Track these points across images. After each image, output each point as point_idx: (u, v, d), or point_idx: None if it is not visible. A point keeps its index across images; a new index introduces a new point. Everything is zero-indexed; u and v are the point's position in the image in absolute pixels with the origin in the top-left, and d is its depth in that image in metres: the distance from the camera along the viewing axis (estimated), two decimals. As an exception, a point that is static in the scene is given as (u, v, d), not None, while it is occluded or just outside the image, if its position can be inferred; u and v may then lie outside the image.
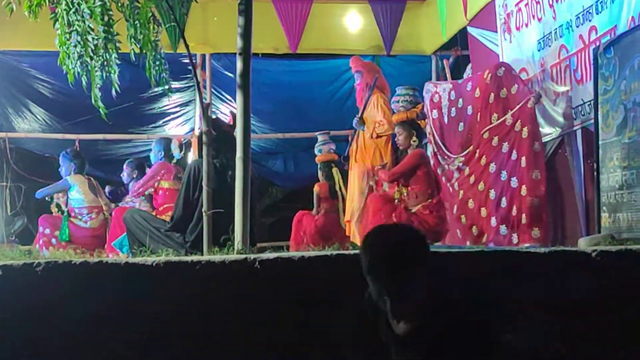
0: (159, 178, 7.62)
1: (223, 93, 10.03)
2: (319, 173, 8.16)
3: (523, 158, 5.82)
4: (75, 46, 4.07)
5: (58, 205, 8.08)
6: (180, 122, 10.33)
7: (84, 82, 4.21)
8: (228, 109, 9.20)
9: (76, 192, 7.91)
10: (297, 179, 10.51)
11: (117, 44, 4.18)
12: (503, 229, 5.86)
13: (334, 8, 9.76)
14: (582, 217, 5.80)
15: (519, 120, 5.90)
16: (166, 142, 7.90)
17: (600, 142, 4.97)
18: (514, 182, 5.84)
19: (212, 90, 9.76)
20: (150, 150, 8.04)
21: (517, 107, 5.93)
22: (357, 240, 7.02)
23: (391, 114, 7.26)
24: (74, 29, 4.06)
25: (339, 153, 7.89)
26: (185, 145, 8.73)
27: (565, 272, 3.45)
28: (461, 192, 6.39)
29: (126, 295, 3.30)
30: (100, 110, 4.26)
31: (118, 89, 4.27)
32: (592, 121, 5.19)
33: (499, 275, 3.38)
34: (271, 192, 11.70)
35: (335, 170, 7.99)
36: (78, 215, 7.86)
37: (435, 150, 6.91)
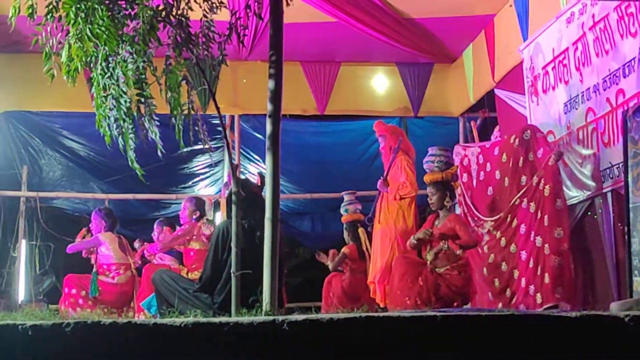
0: (188, 238, 7.70)
1: (251, 154, 10.14)
2: (345, 233, 8.13)
3: (546, 216, 5.77)
4: (111, 109, 4.14)
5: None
6: (209, 182, 10.42)
7: (120, 145, 4.27)
8: (256, 169, 9.27)
9: (105, 249, 8.00)
10: (324, 239, 10.44)
11: (152, 107, 4.24)
12: (531, 289, 5.80)
13: (361, 70, 9.88)
14: (613, 280, 5.71)
15: (542, 179, 5.89)
16: (199, 202, 7.96)
17: (631, 206, 4.92)
18: (539, 241, 5.79)
19: (241, 151, 9.86)
20: (180, 209, 8.10)
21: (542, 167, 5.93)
22: (380, 302, 6.96)
23: (415, 176, 7.27)
24: (110, 92, 4.15)
25: (365, 213, 7.87)
26: (214, 205, 8.79)
27: (597, 338, 3.39)
28: (492, 255, 6.33)
29: (154, 356, 3.30)
30: (137, 171, 4.30)
31: (162, 149, 4.32)
32: (622, 184, 5.16)
33: (528, 340, 3.34)
34: (298, 253, 11.68)
35: (361, 231, 7.95)
36: (106, 271, 7.93)
37: (466, 211, 6.89)
